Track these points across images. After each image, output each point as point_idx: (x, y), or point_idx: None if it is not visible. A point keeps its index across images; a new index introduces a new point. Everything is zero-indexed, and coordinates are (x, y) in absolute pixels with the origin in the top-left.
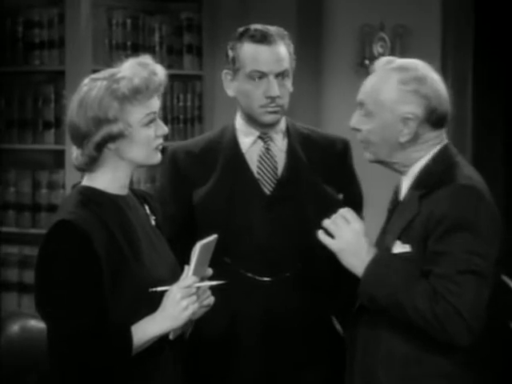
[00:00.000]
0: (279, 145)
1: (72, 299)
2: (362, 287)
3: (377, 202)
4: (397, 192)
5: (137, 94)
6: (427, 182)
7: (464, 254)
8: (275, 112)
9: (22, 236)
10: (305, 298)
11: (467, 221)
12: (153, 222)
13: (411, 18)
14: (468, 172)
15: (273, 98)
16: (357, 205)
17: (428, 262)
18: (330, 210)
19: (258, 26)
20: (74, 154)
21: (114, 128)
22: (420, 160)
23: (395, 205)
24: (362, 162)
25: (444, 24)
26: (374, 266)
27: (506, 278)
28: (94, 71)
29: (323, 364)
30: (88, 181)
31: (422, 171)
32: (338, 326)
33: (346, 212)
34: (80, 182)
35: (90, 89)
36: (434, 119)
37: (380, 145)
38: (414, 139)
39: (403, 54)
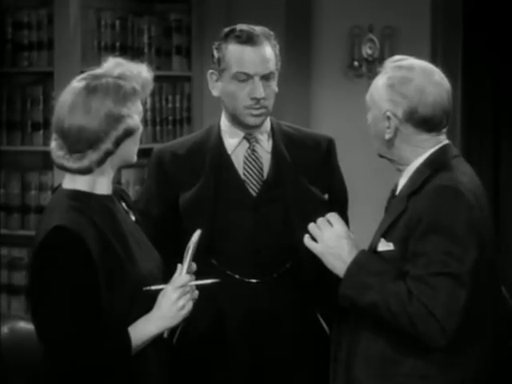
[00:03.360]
0: (264, 146)
1: (71, 305)
2: (341, 289)
3: (367, 203)
4: (394, 190)
5: (141, 90)
6: (416, 181)
7: (439, 256)
8: (260, 115)
9: (11, 238)
10: (292, 297)
11: (443, 222)
12: (133, 218)
13: (400, 19)
14: (458, 174)
15: (257, 100)
16: (342, 203)
17: (407, 262)
18: (315, 212)
19: (244, 27)
20: (69, 160)
21: (130, 122)
22: (417, 159)
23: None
24: (354, 163)
25: (433, 25)
26: (353, 268)
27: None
28: (83, 72)
29: (310, 363)
30: (71, 183)
31: (416, 170)
32: (324, 325)
33: (330, 215)
34: (60, 185)
35: (93, 88)
36: (416, 120)
37: (375, 140)
38: (401, 141)
39: (392, 56)
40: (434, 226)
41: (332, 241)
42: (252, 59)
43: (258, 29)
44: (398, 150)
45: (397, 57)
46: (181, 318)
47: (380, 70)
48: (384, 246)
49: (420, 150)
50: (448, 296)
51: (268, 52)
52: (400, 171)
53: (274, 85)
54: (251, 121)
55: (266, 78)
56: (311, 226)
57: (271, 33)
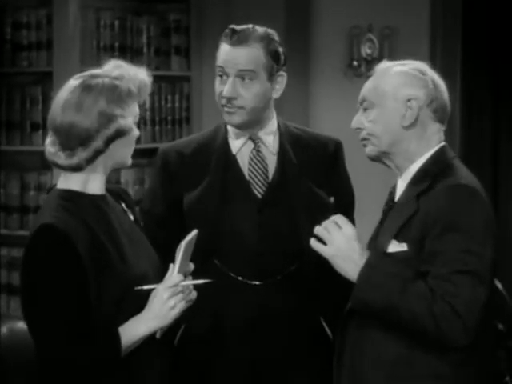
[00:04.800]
0: (270, 147)
1: (57, 303)
2: (355, 292)
3: (369, 203)
4: (392, 193)
5: (137, 93)
6: (423, 181)
7: (458, 254)
8: (233, 113)
9: (10, 238)
10: (295, 301)
11: (461, 220)
12: (131, 218)
13: (399, 19)
14: (463, 173)
15: (227, 98)
16: (348, 206)
17: (424, 262)
18: (321, 214)
19: (237, 26)
20: (61, 157)
21: (122, 122)
22: (418, 160)
23: (390, 206)
24: (355, 163)
25: (432, 25)
26: (367, 270)
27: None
28: (82, 72)
29: (312, 366)
30: (64, 183)
31: (418, 172)
32: (327, 329)
33: (337, 217)
34: (55, 185)
35: (88, 87)
36: (435, 107)
37: (382, 134)
38: (417, 128)
39: (391, 56)
40: (452, 224)
41: (342, 243)
42: (229, 55)
43: (251, 29)
44: (408, 142)
45: (386, 61)
46: (172, 318)
47: (373, 72)
48: (396, 247)
49: (426, 145)
50: (470, 294)
51: (252, 52)
52: (398, 172)
53: (254, 86)
54: (227, 119)
55: (241, 76)
56: (318, 229)
57: (271, 35)
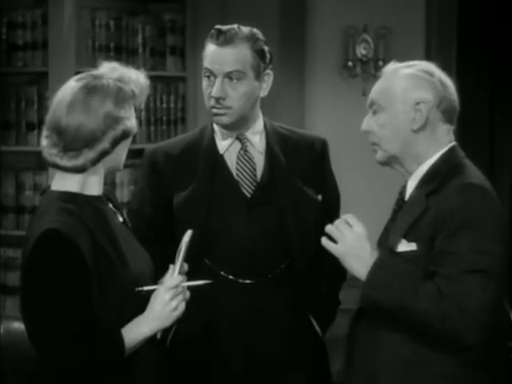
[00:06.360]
0: (257, 146)
1: (62, 308)
2: (364, 291)
3: (363, 202)
4: (402, 192)
5: (139, 95)
6: (433, 180)
7: (469, 253)
8: (222, 114)
9: (5, 238)
10: (285, 299)
11: (472, 219)
12: (120, 219)
13: (394, 19)
14: (473, 172)
15: (215, 99)
16: (335, 204)
17: (435, 261)
18: (309, 212)
19: (223, 26)
20: (63, 158)
21: (128, 123)
22: (428, 160)
23: (400, 204)
24: (350, 162)
25: (427, 25)
26: (377, 269)
27: None
28: (78, 73)
29: (302, 364)
30: (59, 184)
31: (428, 171)
32: (316, 326)
33: (348, 216)
34: (49, 187)
35: (93, 88)
36: (444, 108)
37: (392, 138)
38: (427, 130)
39: (386, 56)
40: (464, 224)
41: (353, 241)
42: (215, 56)
43: (236, 29)
44: (418, 144)
45: (394, 63)
46: (173, 319)
47: (380, 73)
48: (405, 246)
49: (436, 145)
50: (481, 293)
51: (238, 52)
52: (407, 174)
53: (242, 85)
54: (216, 119)
55: (228, 76)
56: (330, 228)
57: (256, 34)
